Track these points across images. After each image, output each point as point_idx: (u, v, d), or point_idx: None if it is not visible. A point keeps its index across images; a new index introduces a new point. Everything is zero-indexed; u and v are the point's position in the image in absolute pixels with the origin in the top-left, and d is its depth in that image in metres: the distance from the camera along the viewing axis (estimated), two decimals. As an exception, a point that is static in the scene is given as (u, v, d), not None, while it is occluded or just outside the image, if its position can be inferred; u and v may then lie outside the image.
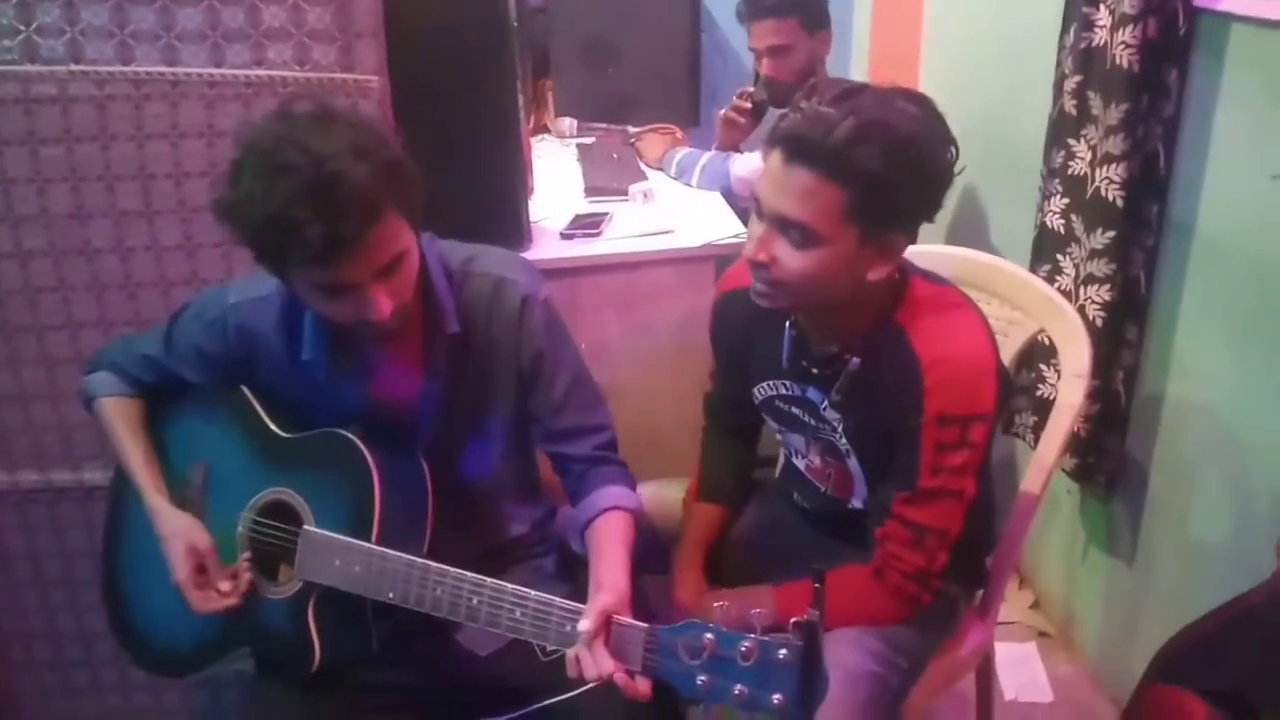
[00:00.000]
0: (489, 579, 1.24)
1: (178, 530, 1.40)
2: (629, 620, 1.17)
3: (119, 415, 1.49)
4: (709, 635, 1.09)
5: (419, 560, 1.27)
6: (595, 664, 1.15)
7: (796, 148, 1.21)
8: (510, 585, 1.23)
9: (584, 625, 1.16)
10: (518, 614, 1.22)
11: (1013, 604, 2.33)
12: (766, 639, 1.06)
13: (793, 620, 1.03)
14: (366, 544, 1.30)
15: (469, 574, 1.25)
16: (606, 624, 1.17)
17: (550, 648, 1.22)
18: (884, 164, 1.19)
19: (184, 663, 1.50)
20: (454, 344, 1.40)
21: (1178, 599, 1.85)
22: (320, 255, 1.18)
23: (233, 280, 1.51)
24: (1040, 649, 2.24)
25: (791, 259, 1.25)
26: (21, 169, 1.64)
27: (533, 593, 1.22)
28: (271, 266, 1.25)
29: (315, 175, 1.15)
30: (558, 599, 1.21)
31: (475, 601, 1.24)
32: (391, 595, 1.28)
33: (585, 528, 1.41)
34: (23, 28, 1.58)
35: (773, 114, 2.64)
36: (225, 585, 1.38)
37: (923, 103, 1.26)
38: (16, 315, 1.71)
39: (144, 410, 1.51)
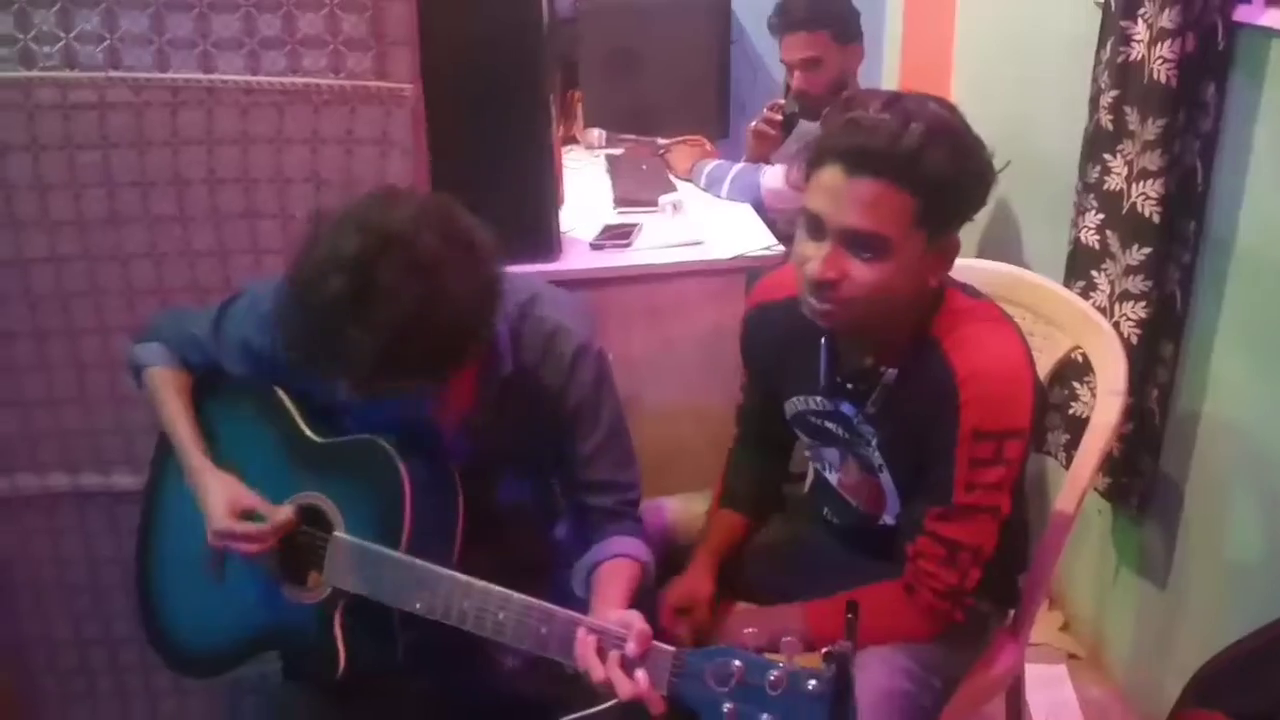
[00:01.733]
0: (516, 594, 1.23)
1: (221, 487, 1.38)
2: (656, 642, 1.16)
3: (169, 385, 1.48)
4: (738, 662, 1.08)
5: (446, 572, 1.27)
6: (631, 683, 1.13)
7: (861, 159, 1.20)
8: (537, 601, 1.22)
9: (631, 650, 1.14)
10: (543, 631, 1.21)
11: (1043, 625, 2.30)
12: (797, 669, 1.05)
13: (824, 650, 1.02)
14: (395, 553, 1.30)
15: (496, 588, 1.24)
16: (649, 644, 1.15)
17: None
18: (952, 166, 1.21)
19: (211, 663, 1.50)
20: (505, 384, 1.39)
21: (1210, 622, 1.82)
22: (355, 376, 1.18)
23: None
24: (1070, 671, 2.21)
25: (863, 273, 1.24)
26: (58, 174, 1.65)
27: (559, 610, 1.21)
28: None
29: (376, 347, 1.12)
30: (585, 618, 1.20)
31: (501, 616, 1.23)
32: (418, 606, 1.28)
33: (593, 569, 1.40)
34: (62, 34, 1.59)
35: (804, 126, 2.63)
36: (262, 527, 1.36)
37: (952, 106, 1.27)
38: (49, 319, 1.72)
39: (191, 385, 1.50)
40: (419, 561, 1.28)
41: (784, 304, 1.44)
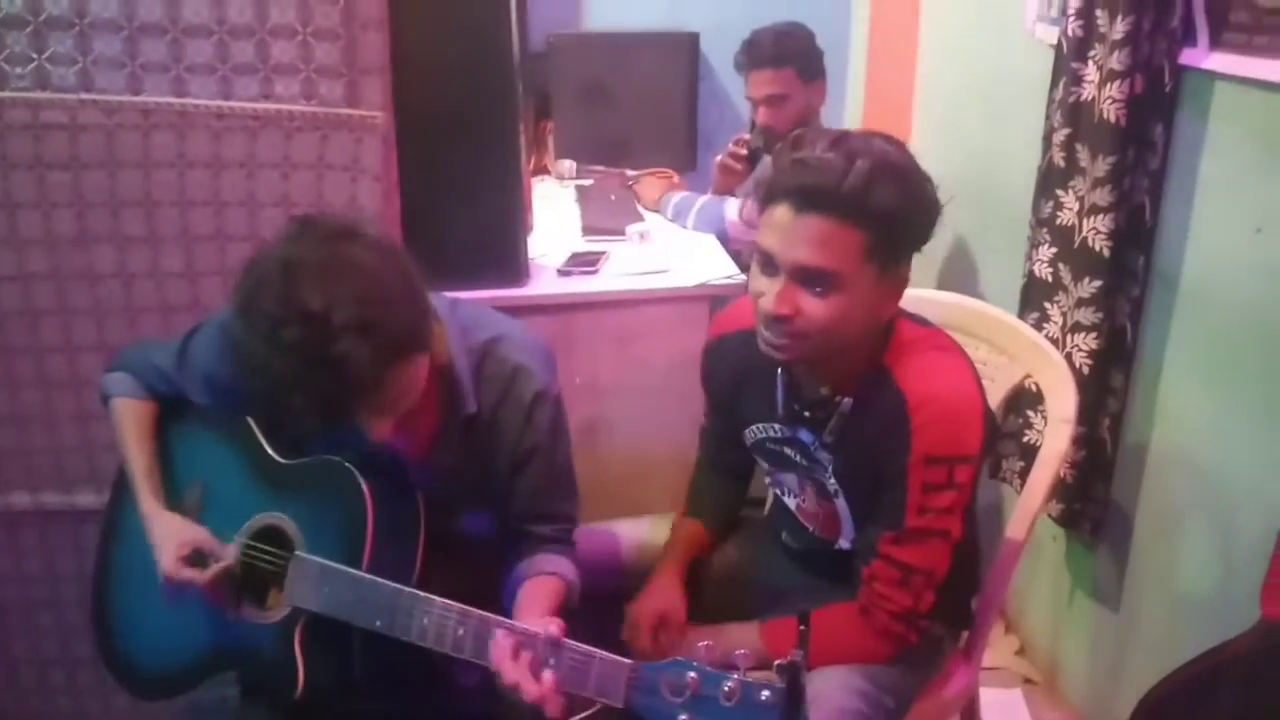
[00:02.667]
0: (475, 610, 1.25)
1: (169, 532, 1.40)
2: (612, 655, 1.17)
3: (130, 417, 1.49)
4: (692, 674, 1.10)
5: (406, 590, 1.28)
6: (537, 685, 1.16)
7: (809, 198, 1.23)
8: (495, 616, 1.24)
9: (542, 637, 1.17)
10: (460, 632, 1.23)
11: (999, 649, 2.33)
12: (749, 680, 1.07)
13: (776, 662, 1.04)
14: (356, 571, 1.31)
15: (455, 604, 1.26)
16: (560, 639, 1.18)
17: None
18: (899, 200, 1.24)
19: (168, 684, 1.49)
20: (465, 423, 1.41)
21: (1162, 646, 1.85)
22: (318, 425, 1.22)
23: None
24: (1026, 695, 2.24)
25: (816, 308, 1.27)
26: (27, 194, 1.66)
27: (518, 624, 1.23)
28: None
29: (316, 361, 1.14)
30: (535, 629, 1.21)
31: (461, 632, 1.24)
32: (379, 623, 1.29)
33: (519, 583, 1.42)
34: (35, 55, 1.61)
35: (768, 160, 2.68)
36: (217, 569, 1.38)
37: (898, 142, 1.30)
38: (16, 337, 1.72)
39: (155, 415, 1.51)
40: (380, 580, 1.29)
41: (741, 336, 1.48)
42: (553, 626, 1.19)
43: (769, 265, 1.29)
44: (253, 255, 1.23)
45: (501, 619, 1.24)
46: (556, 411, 1.45)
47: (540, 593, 1.39)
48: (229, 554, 1.39)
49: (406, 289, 1.23)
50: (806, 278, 1.26)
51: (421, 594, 1.27)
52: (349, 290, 1.16)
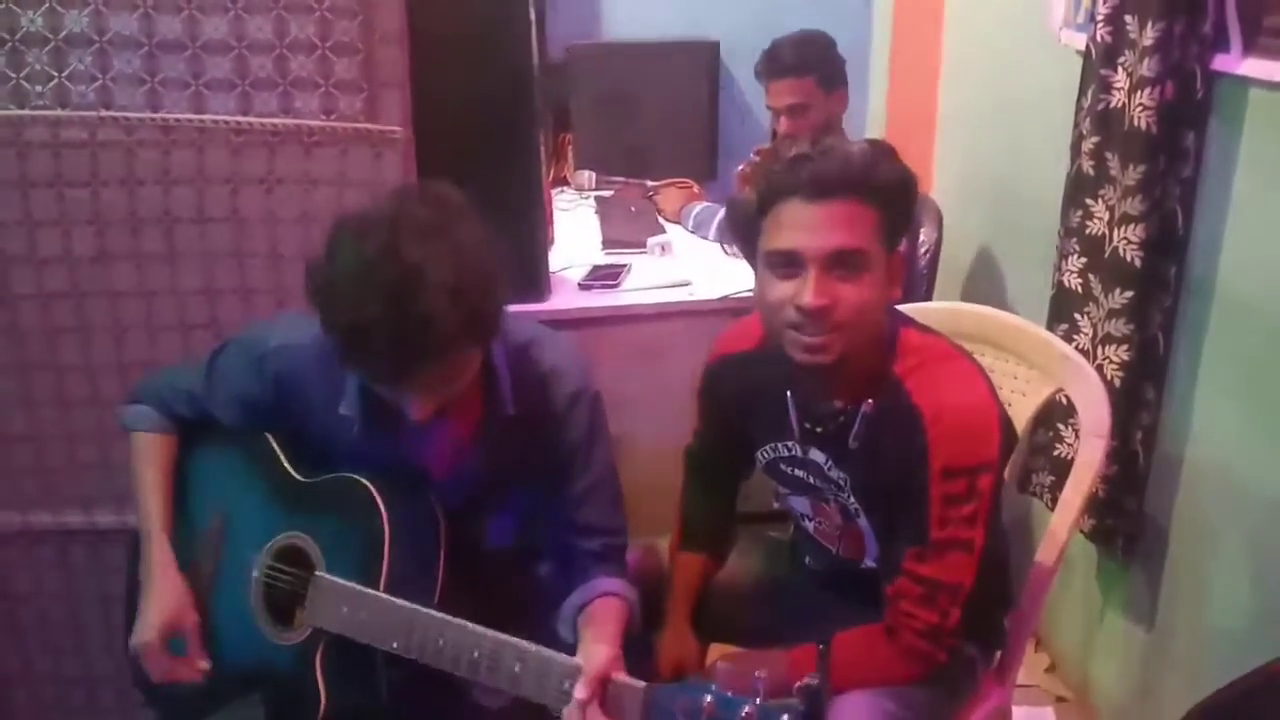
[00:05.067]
0: (491, 632, 1.23)
1: (166, 601, 1.40)
2: (626, 679, 1.16)
3: (148, 455, 1.48)
4: (708, 698, 1.08)
5: (424, 610, 1.26)
6: None
7: (822, 185, 1.24)
8: (512, 640, 1.22)
9: (580, 693, 1.15)
10: (518, 669, 1.21)
11: (1030, 667, 2.29)
12: (768, 703, 1.04)
13: (796, 684, 1.01)
14: (374, 591, 1.30)
15: (472, 626, 1.24)
16: (602, 687, 1.16)
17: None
18: (900, 174, 1.29)
19: (194, 702, 1.47)
20: (504, 426, 1.40)
21: (1195, 664, 1.82)
22: (381, 379, 1.21)
23: (278, 318, 1.51)
24: (1058, 713, 2.20)
25: (851, 293, 1.26)
26: (47, 212, 1.66)
27: (533, 648, 1.21)
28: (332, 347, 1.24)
29: (405, 310, 1.14)
30: (559, 656, 1.20)
31: (476, 655, 1.23)
32: (396, 645, 1.27)
33: (581, 609, 1.39)
34: (55, 74, 1.61)
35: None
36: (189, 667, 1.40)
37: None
38: (35, 355, 1.72)
39: (175, 451, 1.50)
40: (397, 600, 1.28)
41: (745, 356, 1.47)
42: (604, 668, 1.19)
43: (791, 265, 1.27)
44: (352, 212, 1.26)
45: (519, 642, 1.21)
46: (594, 410, 1.43)
47: (607, 616, 1.36)
48: (202, 665, 1.40)
49: (494, 271, 1.24)
50: (837, 262, 1.25)
51: (438, 615, 1.26)
52: (447, 254, 1.17)
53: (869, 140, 1.33)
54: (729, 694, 1.07)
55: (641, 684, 1.14)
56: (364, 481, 1.35)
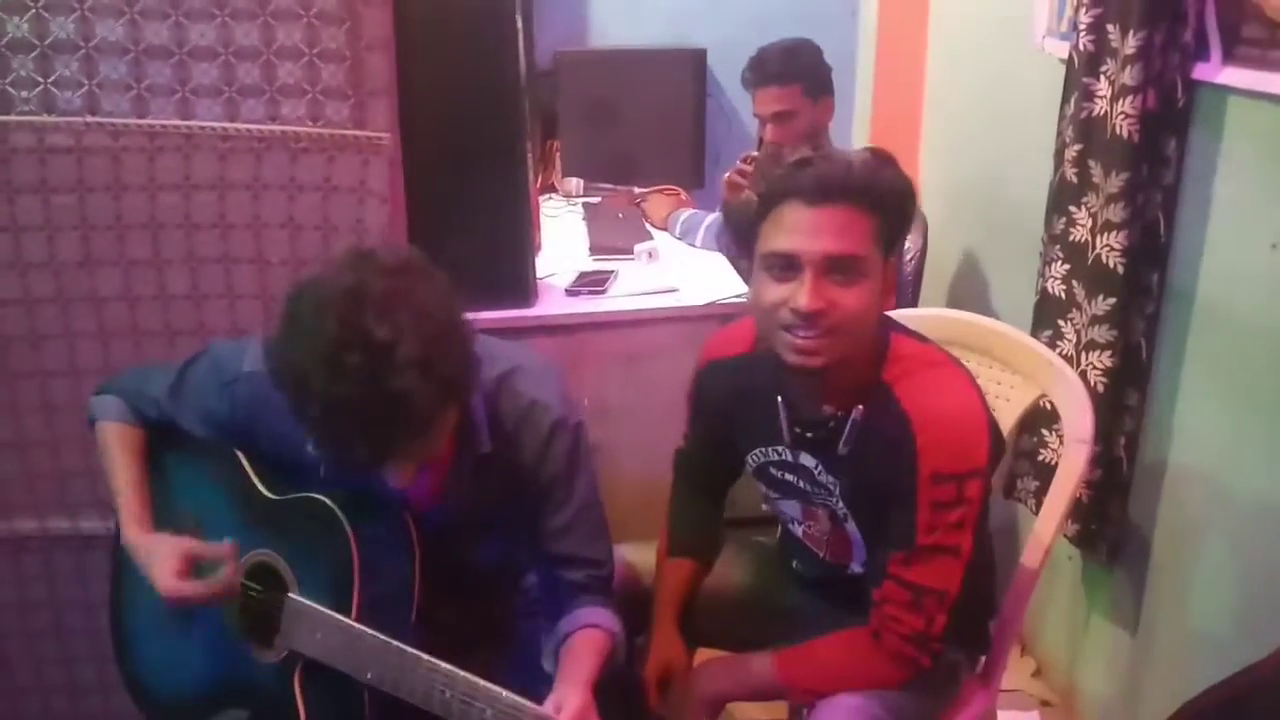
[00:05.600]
0: (461, 673, 1.21)
1: (160, 552, 1.35)
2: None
3: (117, 442, 1.45)
4: None
5: (394, 644, 1.24)
6: None
7: (823, 189, 1.25)
8: (483, 683, 1.20)
9: None
10: (489, 715, 1.19)
11: (1015, 671, 2.30)
12: None
13: None
14: (346, 620, 1.27)
15: (443, 665, 1.22)
16: None
17: None
18: (900, 182, 1.31)
19: (179, 713, 1.47)
20: (481, 461, 1.38)
21: (1180, 669, 1.83)
22: (361, 463, 1.17)
23: (252, 338, 1.50)
24: (1043, 717, 2.21)
25: (845, 298, 1.27)
26: (33, 217, 1.65)
27: (504, 693, 1.19)
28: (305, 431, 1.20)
29: (378, 392, 1.10)
30: (529, 706, 1.18)
31: (448, 695, 1.20)
32: (370, 676, 1.25)
33: (562, 641, 1.38)
34: (40, 79, 1.60)
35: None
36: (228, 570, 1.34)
37: None
38: (20, 361, 1.72)
39: (144, 441, 1.47)
40: (368, 630, 1.25)
41: (736, 360, 1.48)
42: (566, 717, 1.18)
43: (788, 267, 1.27)
44: (304, 279, 1.20)
45: (490, 686, 1.20)
46: (575, 441, 1.41)
47: (585, 650, 1.34)
48: (228, 552, 1.34)
49: (462, 332, 1.21)
50: (834, 267, 1.26)
51: (410, 651, 1.23)
52: (414, 326, 1.12)
53: (870, 148, 1.35)
54: None
55: None
56: (330, 505, 1.32)
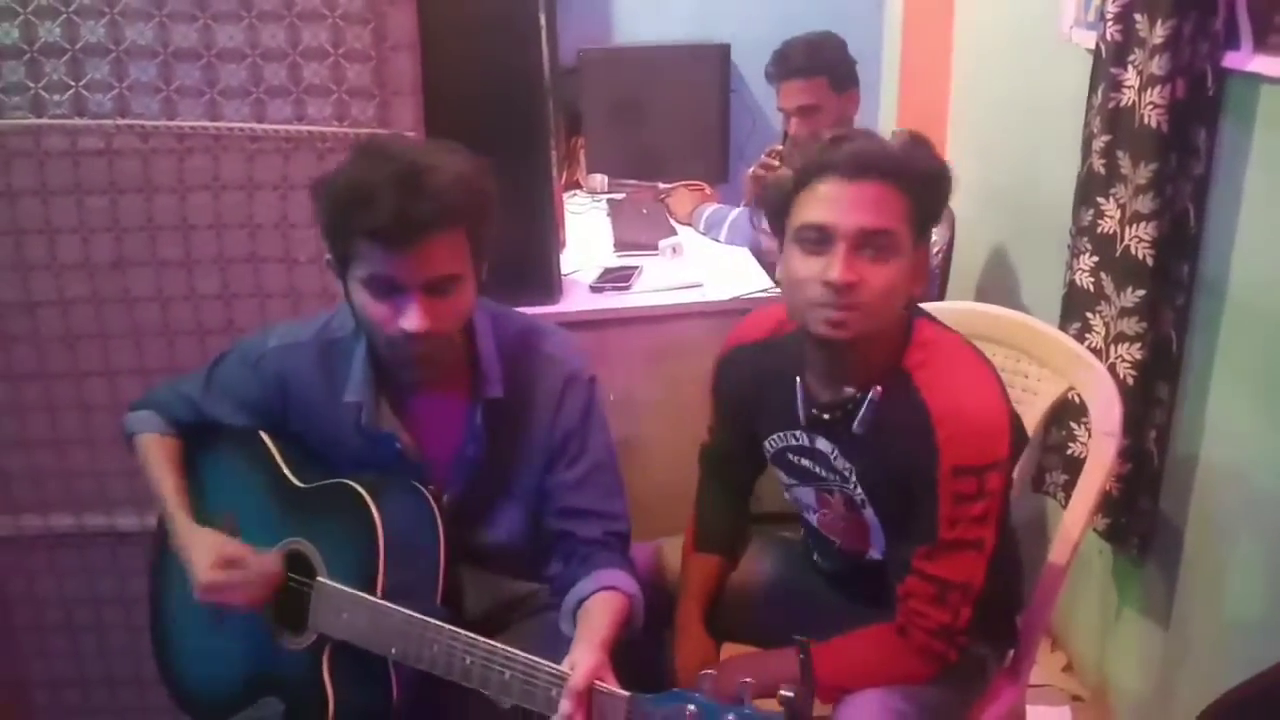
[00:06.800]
0: (482, 639, 1.23)
1: (206, 546, 1.38)
2: (609, 687, 1.16)
3: (154, 450, 1.50)
4: (691, 707, 1.07)
5: (417, 616, 1.26)
6: None
7: (860, 165, 1.27)
8: (501, 646, 1.22)
9: (563, 707, 1.15)
10: (507, 676, 1.20)
11: (1045, 666, 2.29)
12: (752, 713, 1.04)
13: (779, 693, 1.02)
14: (370, 597, 1.29)
15: (463, 632, 1.23)
16: (586, 699, 1.15)
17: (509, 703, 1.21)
18: (935, 163, 1.32)
19: (215, 705, 1.49)
20: (496, 411, 1.40)
21: (1213, 663, 1.81)
22: (383, 229, 1.21)
23: (275, 325, 1.53)
24: (1074, 713, 2.20)
25: (876, 275, 1.27)
26: (67, 219, 1.68)
27: (520, 655, 1.20)
28: (336, 237, 1.28)
29: (407, 166, 1.23)
30: (544, 664, 1.19)
31: (469, 661, 1.22)
32: (394, 651, 1.27)
33: (579, 603, 1.38)
34: (72, 83, 1.63)
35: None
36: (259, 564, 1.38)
37: None
38: (55, 361, 1.75)
39: (180, 450, 1.51)
40: (391, 605, 1.28)
41: (758, 345, 1.49)
42: (586, 679, 1.17)
43: (822, 240, 1.28)
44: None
45: (508, 649, 1.21)
46: (590, 395, 1.43)
47: (602, 612, 1.34)
48: (268, 562, 1.38)
49: (492, 195, 1.32)
50: (867, 241, 1.27)
51: (432, 622, 1.25)
52: (460, 164, 1.28)
53: (909, 130, 1.36)
54: (712, 702, 1.07)
55: (625, 694, 1.13)
56: (355, 486, 1.35)
